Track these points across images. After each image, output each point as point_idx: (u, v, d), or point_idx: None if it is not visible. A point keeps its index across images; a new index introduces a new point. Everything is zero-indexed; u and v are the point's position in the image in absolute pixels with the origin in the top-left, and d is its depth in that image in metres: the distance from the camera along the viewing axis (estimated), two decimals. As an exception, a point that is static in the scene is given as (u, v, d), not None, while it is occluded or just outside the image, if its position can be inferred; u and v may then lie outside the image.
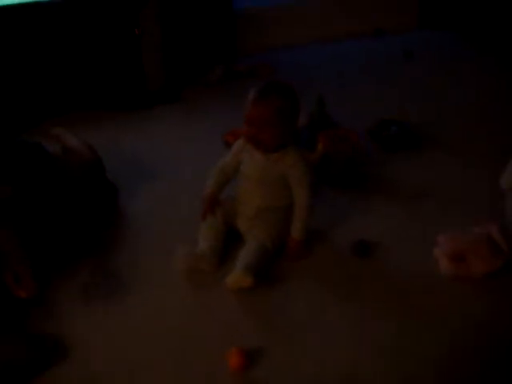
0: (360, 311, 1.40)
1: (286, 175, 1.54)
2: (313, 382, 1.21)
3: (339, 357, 1.28)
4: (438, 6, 3.30)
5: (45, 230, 1.53)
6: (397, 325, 1.36)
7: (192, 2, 2.77)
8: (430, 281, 1.48)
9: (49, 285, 1.47)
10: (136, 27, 2.45)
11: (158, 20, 2.56)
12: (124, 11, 2.44)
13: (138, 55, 2.53)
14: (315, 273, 1.52)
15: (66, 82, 2.45)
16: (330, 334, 1.33)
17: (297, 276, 1.52)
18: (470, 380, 1.21)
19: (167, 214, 1.80)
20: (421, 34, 3.33)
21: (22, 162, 1.56)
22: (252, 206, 1.58)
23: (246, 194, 1.59)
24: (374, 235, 1.65)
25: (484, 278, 1.47)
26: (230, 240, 1.62)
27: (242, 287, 1.42)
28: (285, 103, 1.47)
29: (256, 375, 1.23)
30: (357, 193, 1.88)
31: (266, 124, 1.46)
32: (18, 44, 2.29)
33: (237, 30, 3.01)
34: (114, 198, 1.87)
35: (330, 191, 1.89)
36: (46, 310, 1.41)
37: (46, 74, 2.40)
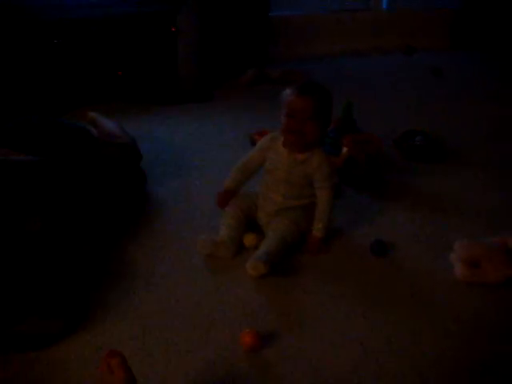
0: (372, 306, 1.40)
1: (311, 176, 1.53)
2: (322, 367, 1.23)
3: (349, 345, 1.29)
4: (470, 28, 3.33)
5: (82, 212, 1.53)
6: (407, 321, 1.36)
7: (230, 4, 2.83)
8: (444, 284, 1.48)
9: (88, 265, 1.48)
10: (173, 25, 2.51)
11: (195, 19, 2.62)
12: (163, 8, 2.50)
13: (173, 53, 2.59)
14: (332, 267, 1.53)
15: (106, 75, 2.54)
16: (341, 324, 1.34)
17: (314, 269, 1.53)
18: (482, 382, 1.20)
19: (192, 204, 1.82)
20: (452, 53, 3.37)
21: (68, 145, 1.58)
22: (273, 203, 1.58)
23: (268, 191, 1.59)
24: (392, 236, 1.64)
25: (498, 285, 1.46)
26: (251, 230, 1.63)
27: (260, 273, 1.42)
28: (324, 102, 1.48)
29: (268, 356, 1.25)
30: (378, 196, 1.89)
31: (311, 116, 1.45)
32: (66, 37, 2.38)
33: (271, 36, 3.07)
34: (143, 185, 1.88)
35: (353, 193, 1.90)
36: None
37: (92, 66, 2.50)
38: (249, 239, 1.58)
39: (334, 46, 3.36)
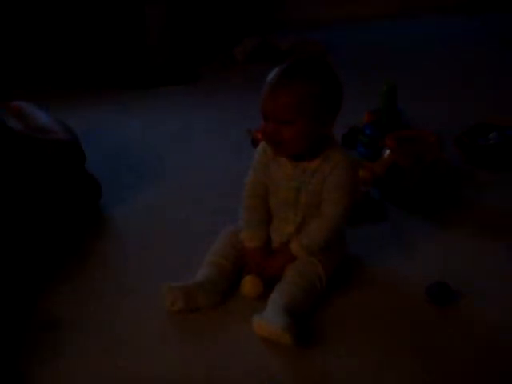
0: (430, 381, 1.32)
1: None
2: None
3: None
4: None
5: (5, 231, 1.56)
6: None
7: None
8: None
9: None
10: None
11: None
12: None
13: (138, 16, 2.63)
14: (370, 320, 1.48)
15: (57, 52, 2.65)
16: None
17: (346, 321, 1.47)
18: None
19: (166, 233, 1.82)
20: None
21: None
22: (284, 236, 1.56)
23: (275, 219, 1.57)
24: (458, 277, 1.58)
25: None
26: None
27: (276, 339, 1.35)
28: (314, 88, 1.43)
29: None
30: (435, 218, 1.86)
31: (285, 118, 1.42)
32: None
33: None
34: (95, 198, 1.90)
35: (399, 213, 1.88)
36: None
37: (35, 40, 2.60)
38: (250, 285, 1.51)
39: (361, 6, 3.35)
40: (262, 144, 1.56)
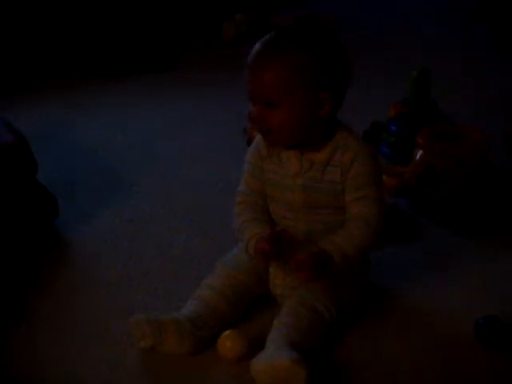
0: None
1: (343, 181, 1.51)
2: None
3: None
4: None
5: None
6: None
7: None
8: None
9: None
10: None
11: None
12: None
13: None
14: (404, 368, 1.47)
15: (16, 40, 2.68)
16: None
17: (373, 365, 1.47)
18: None
19: (137, 248, 1.84)
20: None
21: None
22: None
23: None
24: None
25: None
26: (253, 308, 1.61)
27: (285, 379, 1.33)
28: (305, 59, 1.42)
29: None
30: (481, 236, 1.87)
31: (271, 99, 1.43)
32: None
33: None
34: (49, 215, 1.90)
35: (436, 230, 1.89)
36: None
37: None
38: (231, 343, 1.48)
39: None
40: (255, 140, 1.57)
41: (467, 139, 1.96)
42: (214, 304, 1.52)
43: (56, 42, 2.78)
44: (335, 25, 2.87)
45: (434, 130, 1.98)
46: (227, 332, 1.47)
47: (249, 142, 2.16)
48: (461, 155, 1.89)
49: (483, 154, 1.93)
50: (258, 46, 1.45)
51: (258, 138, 1.57)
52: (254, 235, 1.54)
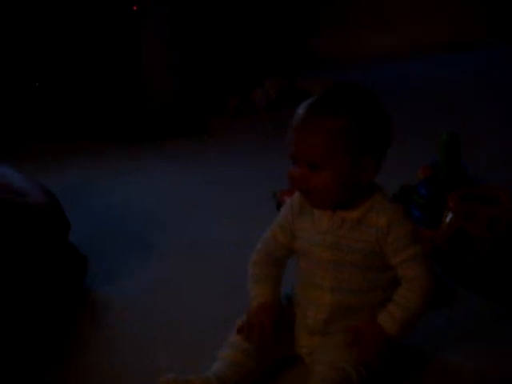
0: None
1: (379, 246, 1.50)
2: None
3: None
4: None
5: None
6: None
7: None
8: None
9: None
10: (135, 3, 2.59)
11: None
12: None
13: (135, 52, 2.69)
14: None
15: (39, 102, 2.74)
16: None
17: None
18: None
19: (169, 312, 1.83)
20: None
21: None
22: (318, 308, 1.56)
23: (307, 289, 1.57)
24: None
25: None
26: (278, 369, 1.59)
27: None
28: (350, 122, 1.44)
29: None
30: None
31: (314, 161, 1.44)
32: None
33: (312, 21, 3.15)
34: (79, 275, 1.92)
35: (469, 296, 1.86)
36: None
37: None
38: None
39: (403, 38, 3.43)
40: (290, 199, 1.58)
41: (497, 201, 1.94)
42: (240, 362, 1.50)
43: (88, 105, 2.83)
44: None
45: (463, 192, 1.97)
46: None
47: (278, 206, 2.19)
48: (491, 218, 1.87)
49: (514, 216, 1.93)
50: (303, 108, 1.47)
51: (294, 196, 1.57)
52: (259, 295, 1.56)
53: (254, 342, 1.51)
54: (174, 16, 2.75)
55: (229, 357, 1.51)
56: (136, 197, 2.46)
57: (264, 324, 1.51)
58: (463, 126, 2.50)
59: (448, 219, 1.91)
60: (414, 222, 1.56)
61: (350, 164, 1.44)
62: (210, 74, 2.93)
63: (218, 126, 2.89)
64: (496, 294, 1.85)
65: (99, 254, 2.06)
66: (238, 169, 2.61)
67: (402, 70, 3.37)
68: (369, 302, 1.53)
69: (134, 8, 2.59)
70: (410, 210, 2.11)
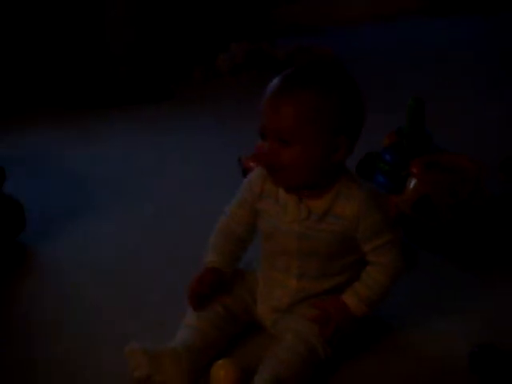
0: None
1: (347, 236, 1.49)
2: None
3: None
4: None
5: None
6: None
7: None
8: None
9: None
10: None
11: None
12: None
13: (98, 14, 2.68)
14: None
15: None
16: None
17: None
18: None
19: (122, 274, 1.85)
20: None
21: None
22: (283, 291, 1.56)
23: (272, 270, 1.57)
24: (509, 340, 1.56)
25: None
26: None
27: None
28: (327, 99, 1.42)
29: None
30: (476, 265, 1.87)
31: (286, 135, 1.41)
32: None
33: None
34: (15, 226, 1.92)
35: (431, 260, 1.89)
36: None
37: None
38: (222, 374, 1.46)
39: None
40: (249, 177, 1.56)
41: (460, 169, 1.96)
42: (204, 330, 1.51)
43: (53, 70, 2.80)
44: (333, 57, 2.88)
45: (427, 159, 1.98)
46: (220, 361, 1.46)
47: (244, 173, 2.18)
48: (454, 185, 1.89)
49: (477, 183, 1.93)
50: (277, 81, 1.44)
51: (253, 175, 1.55)
52: (208, 262, 1.58)
53: (198, 304, 1.53)
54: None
55: (194, 325, 1.52)
56: (99, 163, 2.46)
57: (208, 286, 1.53)
58: (432, 93, 2.55)
59: (412, 185, 1.92)
60: (385, 205, 1.56)
61: (321, 140, 1.42)
62: (175, 41, 2.92)
63: (184, 93, 2.89)
64: (457, 258, 1.88)
65: (59, 220, 2.08)
66: (204, 135, 2.61)
67: (367, 36, 3.36)
68: (334, 286, 1.53)
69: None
70: (376, 176, 2.12)
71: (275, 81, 1.44)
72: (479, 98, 2.85)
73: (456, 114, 2.65)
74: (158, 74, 2.87)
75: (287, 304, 1.54)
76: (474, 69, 3.13)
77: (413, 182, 1.92)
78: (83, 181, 2.32)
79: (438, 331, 1.63)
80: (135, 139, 2.62)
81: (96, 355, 1.57)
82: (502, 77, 3.03)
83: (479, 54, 3.32)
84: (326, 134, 1.41)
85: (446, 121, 2.46)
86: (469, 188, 1.90)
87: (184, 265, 1.77)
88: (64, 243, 1.97)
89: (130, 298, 1.76)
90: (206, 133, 2.63)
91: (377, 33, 3.56)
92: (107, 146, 2.57)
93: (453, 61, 3.24)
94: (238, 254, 1.61)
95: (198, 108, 2.80)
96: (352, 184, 1.47)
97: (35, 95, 2.81)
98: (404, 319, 1.66)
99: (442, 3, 3.80)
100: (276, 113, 1.40)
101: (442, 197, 1.87)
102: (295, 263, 1.52)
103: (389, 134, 2.23)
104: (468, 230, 1.89)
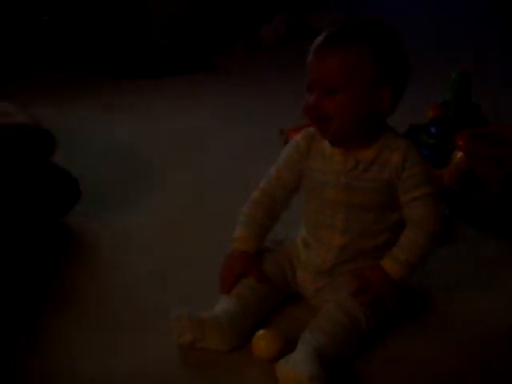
0: None
1: (392, 186, 1.51)
2: None
3: None
4: None
5: None
6: None
7: None
8: None
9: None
10: None
11: None
12: None
13: None
14: (440, 376, 1.44)
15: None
16: None
17: (404, 376, 1.43)
18: None
19: (168, 250, 1.84)
20: None
21: None
22: (327, 251, 1.57)
23: (316, 229, 1.58)
24: None
25: None
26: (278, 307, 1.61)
27: None
28: (370, 50, 1.45)
29: None
30: None
31: (331, 84, 1.44)
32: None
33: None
34: (70, 199, 1.91)
35: (475, 234, 1.87)
36: None
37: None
38: (265, 343, 1.47)
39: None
40: (307, 130, 1.57)
41: (507, 141, 1.95)
42: (246, 298, 1.52)
43: (97, 43, 2.84)
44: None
45: (473, 132, 1.97)
46: (261, 331, 1.47)
47: (286, 143, 2.19)
48: (501, 157, 1.89)
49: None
50: (321, 37, 1.47)
51: (300, 135, 1.57)
52: (240, 239, 1.59)
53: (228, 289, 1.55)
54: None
55: (235, 293, 1.53)
56: (138, 133, 2.47)
57: (226, 276, 1.56)
58: (475, 64, 2.51)
59: (457, 159, 1.91)
60: (428, 164, 1.56)
61: (366, 89, 1.44)
62: (219, 14, 2.91)
63: (226, 64, 2.89)
64: (502, 232, 1.86)
65: (96, 190, 2.08)
66: (245, 106, 2.61)
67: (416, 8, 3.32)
68: (376, 245, 1.54)
69: None
70: (420, 149, 2.11)
71: (319, 37, 1.47)
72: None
73: (504, 85, 2.62)
74: (199, 45, 2.86)
75: (331, 263, 1.55)
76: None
77: (458, 156, 1.92)
78: (131, 154, 2.34)
79: (480, 303, 1.63)
80: (172, 109, 2.64)
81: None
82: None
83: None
84: (370, 83, 1.44)
85: (492, 93, 2.42)
86: (516, 161, 1.89)
87: (225, 237, 1.75)
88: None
89: (169, 272, 1.77)
90: (246, 104, 2.63)
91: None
92: (153, 119, 2.58)
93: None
94: (269, 225, 1.62)
95: (238, 79, 2.81)
96: (396, 136, 1.51)
97: (76, 63, 2.85)
98: (446, 290, 1.66)
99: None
100: (322, 63, 1.43)
101: (488, 169, 1.87)
102: (340, 216, 1.53)
103: (433, 106, 2.22)
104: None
